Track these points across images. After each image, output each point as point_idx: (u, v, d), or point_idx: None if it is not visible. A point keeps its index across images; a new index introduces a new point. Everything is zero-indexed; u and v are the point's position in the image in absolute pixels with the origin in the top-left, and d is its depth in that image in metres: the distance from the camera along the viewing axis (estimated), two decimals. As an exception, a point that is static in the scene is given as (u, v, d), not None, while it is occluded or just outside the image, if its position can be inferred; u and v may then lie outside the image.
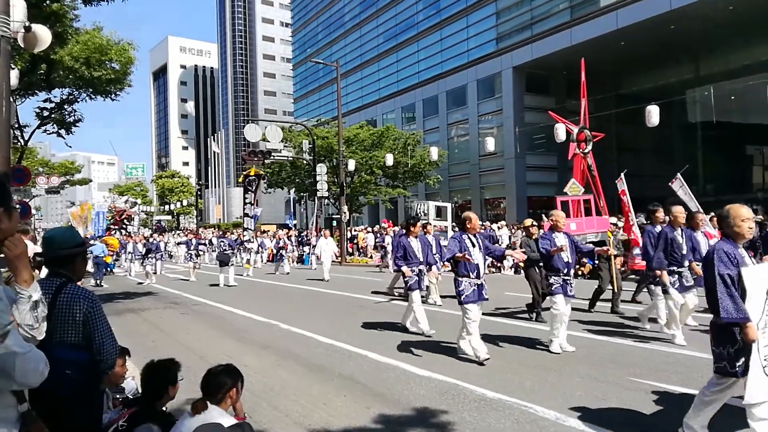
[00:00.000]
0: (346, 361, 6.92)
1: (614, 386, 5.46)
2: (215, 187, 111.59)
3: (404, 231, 9.24)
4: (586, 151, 18.35)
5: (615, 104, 32.61)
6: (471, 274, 6.57)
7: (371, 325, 9.56)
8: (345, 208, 27.23)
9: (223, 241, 18.07)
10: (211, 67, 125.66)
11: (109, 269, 22.94)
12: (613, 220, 15.30)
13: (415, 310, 8.29)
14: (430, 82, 44.50)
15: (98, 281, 18.54)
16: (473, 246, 6.65)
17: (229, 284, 16.87)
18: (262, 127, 30.42)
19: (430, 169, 37.12)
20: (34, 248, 4.83)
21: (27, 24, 7.38)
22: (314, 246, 23.58)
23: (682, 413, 4.66)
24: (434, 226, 12.35)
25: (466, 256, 6.48)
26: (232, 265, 17.45)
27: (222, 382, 3.04)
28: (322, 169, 28.62)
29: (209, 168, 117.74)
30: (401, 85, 48.10)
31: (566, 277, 6.98)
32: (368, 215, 49.38)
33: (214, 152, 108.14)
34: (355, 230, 33.34)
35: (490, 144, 26.71)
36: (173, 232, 46.08)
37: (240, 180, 31.80)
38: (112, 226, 38.03)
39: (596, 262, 14.71)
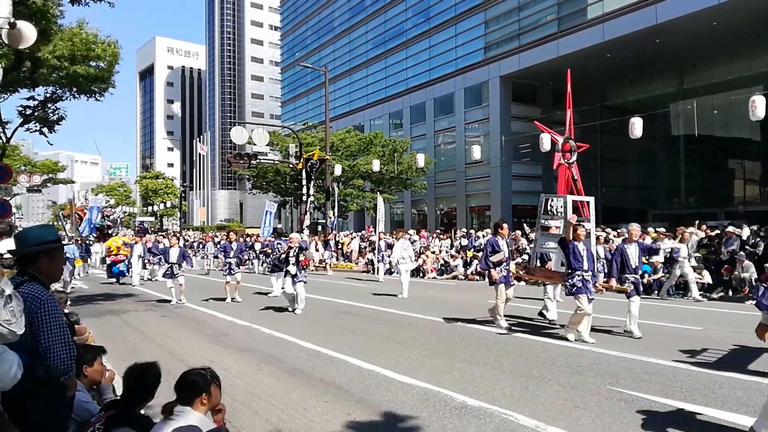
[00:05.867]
0: (328, 366, 6.89)
1: (593, 395, 5.50)
2: (200, 189, 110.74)
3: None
4: (571, 161, 18.50)
5: (600, 115, 32.93)
6: None
7: (354, 330, 9.54)
8: (331, 213, 27.16)
9: (280, 244, 15.22)
10: (199, 69, 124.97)
11: (121, 275, 20.70)
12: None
13: None
14: (418, 89, 44.64)
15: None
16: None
17: (277, 294, 14.73)
18: (249, 130, 30.29)
19: (417, 176, 37.20)
20: (10, 244, 4.76)
21: (12, 20, 7.28)
22: (381, 251, 20.79)
23: (657, 422, 4.72)
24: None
25: None
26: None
27: (195, 385, 3.00)
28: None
29: (194, 170, 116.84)
30: (389, 92, 48.20)
31: None
32: (354, 220, 49.32)
33: (200, 154, 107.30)
34: (340, 235, 33.25)
35: (477, 152, 26.82)
36: (156, 234, 45.46)
37: (299, 166, 29.25)
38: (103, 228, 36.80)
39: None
